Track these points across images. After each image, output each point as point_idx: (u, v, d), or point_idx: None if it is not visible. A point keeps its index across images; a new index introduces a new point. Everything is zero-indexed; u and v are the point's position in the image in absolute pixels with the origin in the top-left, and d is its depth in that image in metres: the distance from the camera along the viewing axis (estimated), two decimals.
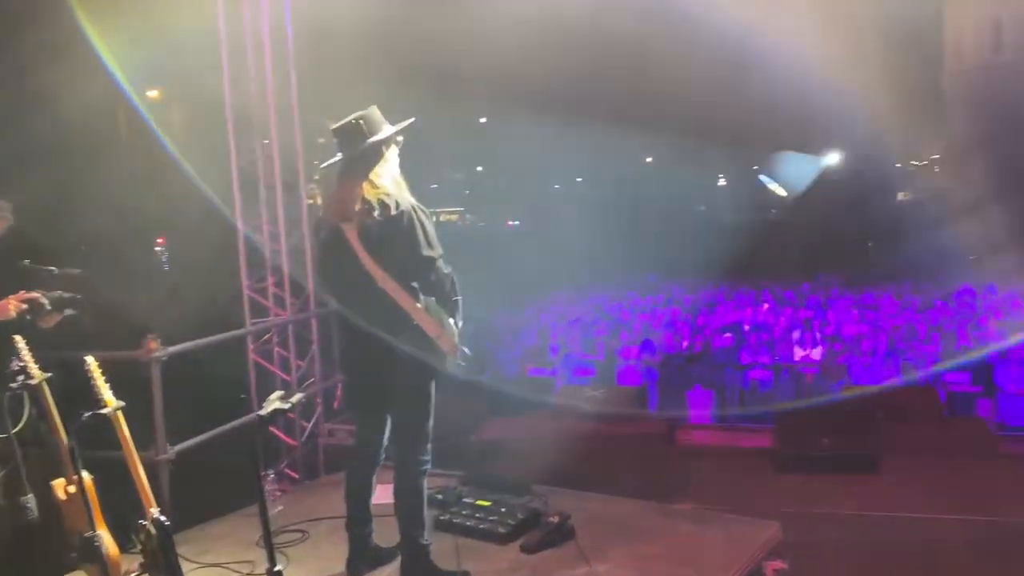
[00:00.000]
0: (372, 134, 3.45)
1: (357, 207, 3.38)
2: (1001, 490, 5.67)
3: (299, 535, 4.14)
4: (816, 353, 11.06)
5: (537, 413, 7.47)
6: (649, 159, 38.06)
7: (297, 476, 6.26)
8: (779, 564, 3.85)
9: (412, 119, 3.59)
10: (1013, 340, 12.24)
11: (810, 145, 33.02)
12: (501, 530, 3.96)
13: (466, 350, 3.50)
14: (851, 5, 20.81)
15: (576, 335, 12.19)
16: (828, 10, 19.91)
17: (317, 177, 7.14)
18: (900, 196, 37.16)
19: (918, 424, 6.88)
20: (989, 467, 6.22)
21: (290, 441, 6.38)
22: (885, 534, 5.10)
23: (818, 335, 11.61)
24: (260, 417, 2.68)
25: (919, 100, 33.66)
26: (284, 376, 6.40)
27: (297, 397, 2.89)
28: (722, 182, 41.25)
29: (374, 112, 3.51)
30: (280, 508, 4.51)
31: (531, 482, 4.51)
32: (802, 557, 4.14)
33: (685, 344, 11.59)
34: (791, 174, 33.54)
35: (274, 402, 2.72)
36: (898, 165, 38.12)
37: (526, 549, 3.82)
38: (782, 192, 34.60)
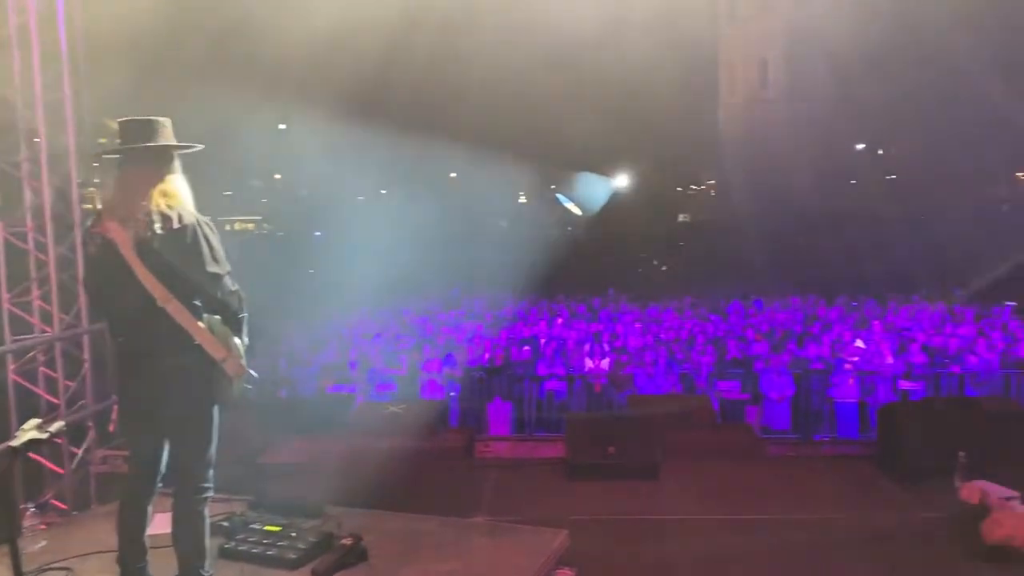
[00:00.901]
0: (164, 137, 3.25)
1: (140, 216, 3.13)
2: (768, 489, 6.22)
3: (63, 573, 3.77)
4: (604, 364, 11.63)
5: (334, 431, 7.29)
6: (453, 174, 38.54)
7: (66, 507, 5.73)
8: (567, 572, 3.98)
9: (201, 146, 3.40)
10: (777, 351, 13.52)
11: (603, 167, 34.88)
12: (291, 555, 3.81)
13: (253, 373, 3.34)
14: (637, 33, 22.14)
15: (379, 350, 12.06)
16: (616, 37, 21.12)
17: (98, 180, 6.61)
18: (681, 218, 40.06)
19: (694, 431, 7.39)
20: (757, 469, 6.79)
21: (57, 469, 5.83)
22: (666, 537, 5.41)
23: (606, 347, 12.21)
24: (12, 448, 2.41)
25: (700, 128, 36.60)
26: (51, 399, 5.86)
27: (57, 425, 2.62)
28: (523, 199, 42.52)
29: (167, 122, 3.31)
30: (43, 544, 4.09)
31: (324, 504, 4.38)
32: (590, 563, 4.31)
33: (487, 357, 11.80)
34: (585, 194, 35.25)
35: (29, 431, 2.46)
36: (679, 189, 41.17)
37: (317, 573, 3.71)
38: (577, 211, 36.23)
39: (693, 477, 6.39)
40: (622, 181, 36.23)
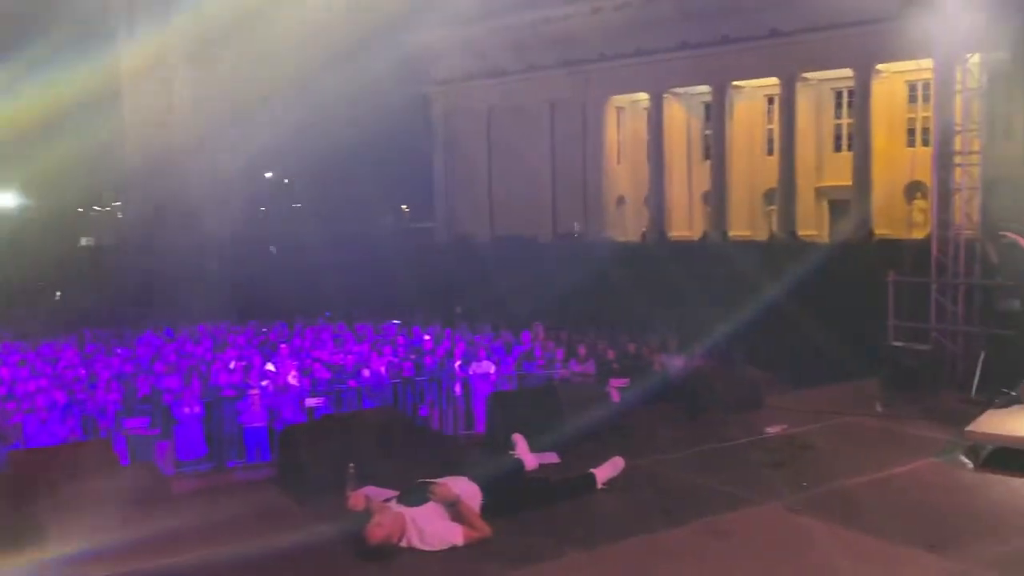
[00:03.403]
0: None
1: None
2: (175, 530, 6.00)
3: None
4: None
5: None
6: None
7: None
8: None
9: None
10: (187, 381, 13.24)
11: None
12: None
13: None
14: None
15: None
16: None
17: None
18: (84, 241, 36.82)
19: (93, 478, 6.80)
20: (163, 509, 6.52)
21: None
22: None
23: None
24: None
25: (104, 146, 34.03)
26: None
27: None
28: None
29: None
30: None
31: None
32: None
33: None
34: None
35: None
36: (80, 210, 37.71)
37: None
38: None
39: (96, 531, 5.87)
40: (7, 200, 31.81)
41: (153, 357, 14.60)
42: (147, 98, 36.20)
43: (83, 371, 13.32)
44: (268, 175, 45.12)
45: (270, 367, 14.50)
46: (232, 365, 14.22)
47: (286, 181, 45.21)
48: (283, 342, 16.95)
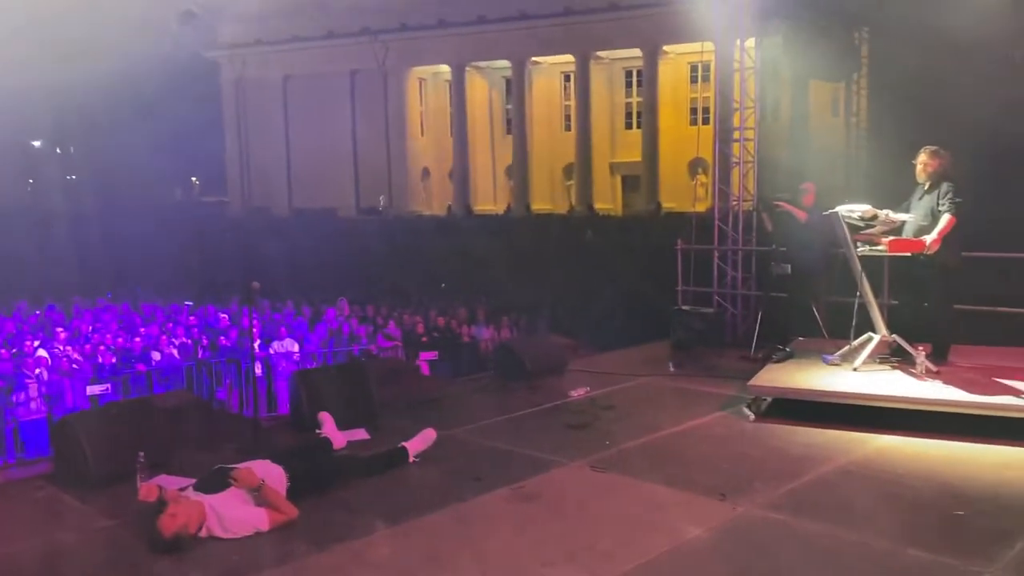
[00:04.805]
0: None
1: None
2: None
3: None
4: None
5: None
6: None
7: None
8: None
9: None
10: None
11: None
12: None
13: None
14: None
15: None
16: None
17: None
18: None
19: None
20: None
21: None
22: None
23: None
24: None
25: None
26: None
27: None
28: None
29: None
30: None
31: None
32: None
33: None
34: None
35: None
36: None
37: None
38: None
39: None
40: None
41: None
42: None
43: None
44: (36, 144, 40.93)
45: (42, 353, 13.19)
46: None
47: (58, 151, 41.20)
48: (60, 326, 15.47)
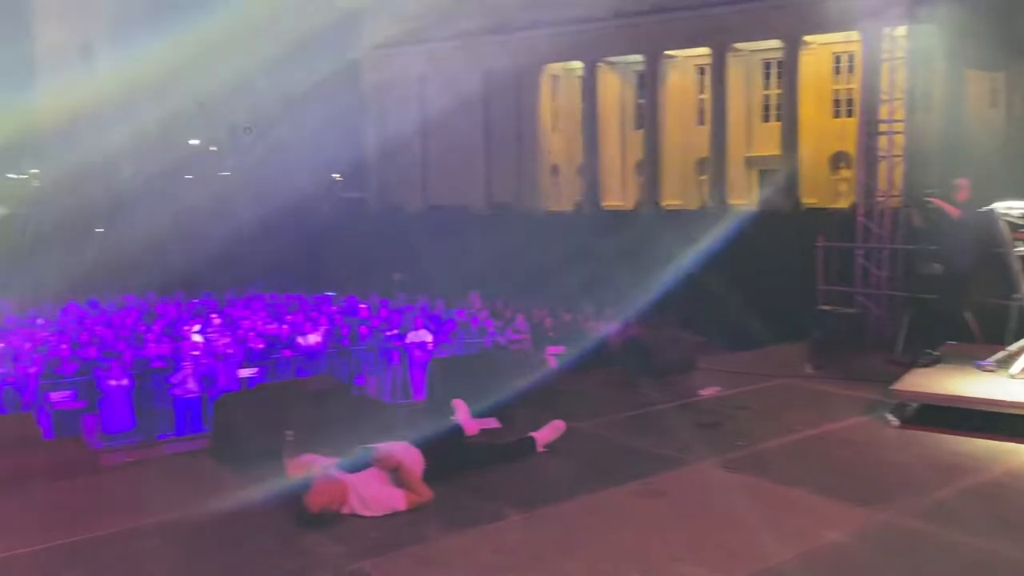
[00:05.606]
0: None
1: None
2: (106, 503, 5.84)
3: None
4: None
5: None
6: None
7: None
8: None
9: None
10: (113, 354, 12.83)
11: None
12: None
13: None
14: None
15: None
16: None
17: None
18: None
19: (16, 454, 6.55)
20: (92, 483, 6.33)
21: None
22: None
23: None
24: None
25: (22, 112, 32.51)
26: None
27: None
28: None
29: None
30: None
31: None
32: None
33: None
34: None
35: None
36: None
37: None
38: None
39: (28, 504, 5.67)
40: None
41: (78, 329, 14.10)
42: (61, 66, 34.71)
43: (1, 343, 12.79)
44: (194, 142, 43.74)
45: (197, 338, 14.15)
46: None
47: (212, 149, 43.81)
48: (213, 312, 16.55)
